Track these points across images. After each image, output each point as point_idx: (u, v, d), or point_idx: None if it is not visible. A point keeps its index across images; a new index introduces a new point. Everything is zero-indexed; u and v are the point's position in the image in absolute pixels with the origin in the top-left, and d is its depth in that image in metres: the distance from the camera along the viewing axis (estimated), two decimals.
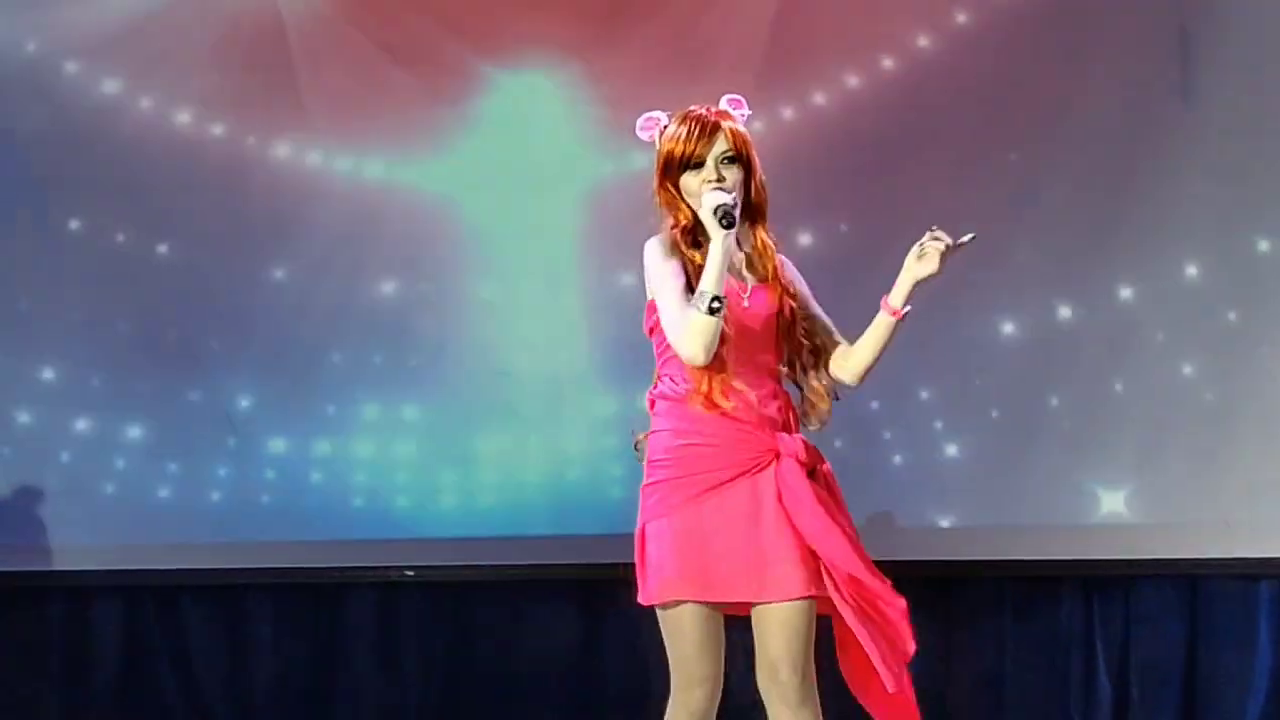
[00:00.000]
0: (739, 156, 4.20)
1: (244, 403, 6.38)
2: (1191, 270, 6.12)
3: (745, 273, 4.25)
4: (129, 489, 6.38)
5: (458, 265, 6.33)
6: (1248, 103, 6.09)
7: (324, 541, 6.30)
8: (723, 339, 4.09)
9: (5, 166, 6.39)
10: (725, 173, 4.17)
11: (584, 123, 6.23)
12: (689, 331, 4.08)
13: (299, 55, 6.33)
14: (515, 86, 6.29)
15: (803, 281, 4.33)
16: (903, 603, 4.14)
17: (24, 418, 6.40)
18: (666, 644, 4.16)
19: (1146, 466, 6.12)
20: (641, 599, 4.18)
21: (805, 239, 6.11)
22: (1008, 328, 6.19)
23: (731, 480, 4.15)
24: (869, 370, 4.27)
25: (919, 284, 4.19)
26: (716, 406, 4.13)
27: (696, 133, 4.19)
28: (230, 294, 6.38)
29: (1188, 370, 6.12)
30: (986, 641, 6.25)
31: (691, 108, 4.24)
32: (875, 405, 6.14)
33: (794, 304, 4.24)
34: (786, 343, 4.25)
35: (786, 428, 4.22)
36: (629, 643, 6.00)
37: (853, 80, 6.20)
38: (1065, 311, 6.17)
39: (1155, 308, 6.14)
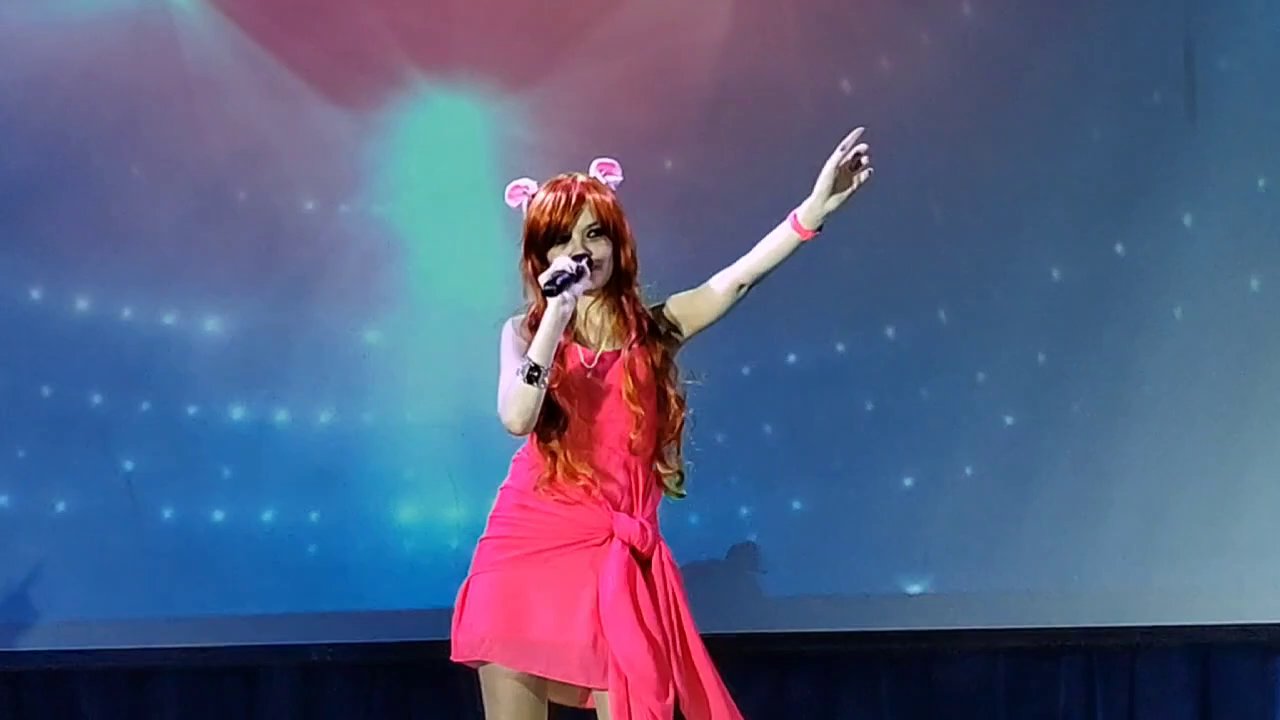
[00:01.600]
0: (605, 228, 4.19)
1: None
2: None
3: (603, 343, 4.22)
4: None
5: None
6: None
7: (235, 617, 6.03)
8: (565, 410, 4.13)
9: None
10: (591, 246, 4.17)
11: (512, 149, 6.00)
12: (507, 398, 4.08)
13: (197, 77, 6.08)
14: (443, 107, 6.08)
15: (687, 293, 4.27)
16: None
17: None
18: (485, 706, 4.18)
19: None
20: (453, 655, 4.19)
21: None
22: (982, 376, 5.99)
23: (563, 548, 4.16)
24: (762, 278, 4.20)
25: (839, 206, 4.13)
26: (559, 488, 4.14)
27: (562, 204, 4.18)
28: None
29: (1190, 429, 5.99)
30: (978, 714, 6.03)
31: (559, 176, 4.24)
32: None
33: (648, 369, 4.18)
34: (638, 411, 4.17)
35: (632, 507, 4.19)
36: None
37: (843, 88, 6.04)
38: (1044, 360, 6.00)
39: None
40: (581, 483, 4.11)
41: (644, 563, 4.15)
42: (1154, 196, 5.98)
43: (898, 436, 5.93)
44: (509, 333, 4.19)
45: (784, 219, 4.08)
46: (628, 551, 4.12)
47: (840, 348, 5.92)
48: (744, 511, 5.94)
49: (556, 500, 4.13)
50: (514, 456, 4.23)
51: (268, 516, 6.03)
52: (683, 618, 4.13)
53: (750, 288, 4.20)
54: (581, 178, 4.22)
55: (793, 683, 5.96)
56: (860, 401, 5.92)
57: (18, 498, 6.04)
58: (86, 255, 6.06)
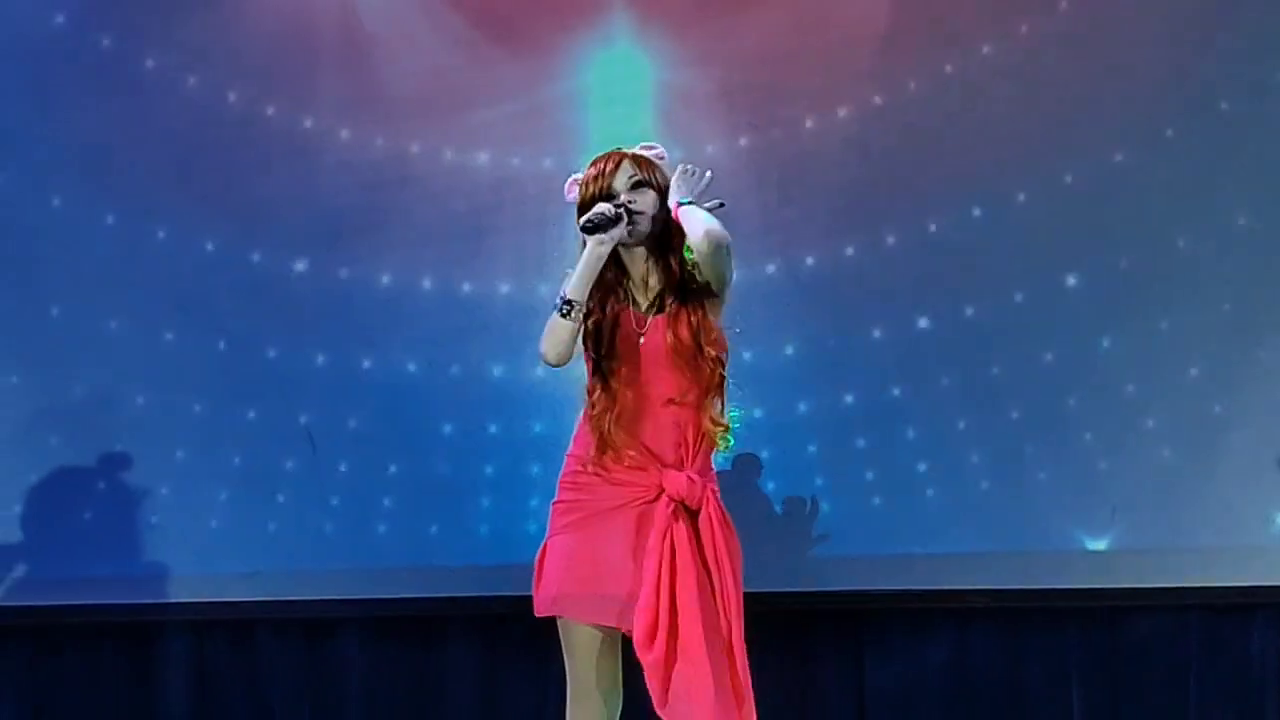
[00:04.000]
0: (647, 180, 4.42)
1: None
2: None
3: (652, 304, 4.45)
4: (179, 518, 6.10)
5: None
6: None
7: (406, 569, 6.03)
8: (616, 373, 4.37)
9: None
10: (634, 196, 4.39)
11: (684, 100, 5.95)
12: (546, 333, 4.32)
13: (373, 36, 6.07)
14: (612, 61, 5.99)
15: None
16: (708, 688, 4.26)
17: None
18: (565, 657, 4.44)
19: None
20: (535, 611, 4.45)
21: (932, 225, 5.86)
22: (1163, 324, 5.81)
23: (618, 508, 4.39)
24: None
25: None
26: (608, 444, 4.35)
27: (602, 169, 4.44)
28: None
29: None
30: (1168, 675, 5.86)
31: (596, 157, 4.48)
32: (962, 425, 5.88)
33: (691, 333, 4.37)
34: (684, 372, 4.39)
35: (682, 462, 4.40)
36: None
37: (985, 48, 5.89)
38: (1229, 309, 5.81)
39: None
40: (626, 463, 4.35)
41: (694, 515, 4.38)
42: None
43: (1077, 388, 5.78)
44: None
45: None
46: (675, 506, 4.35)
47: (1018, 298, 5.79)
48: (921, 467, 5.83)
49: (613, 463, 4.36)
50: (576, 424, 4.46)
51: (443, 470, 6.03)
52: (729, 575, 4.34)
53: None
54: (621, 148, 4.48)
55: (976, 640, 5.87)
56: (1039, 353, 5.80)
57: (195, 452, 6.09)
58: (258, 214, 6.10)
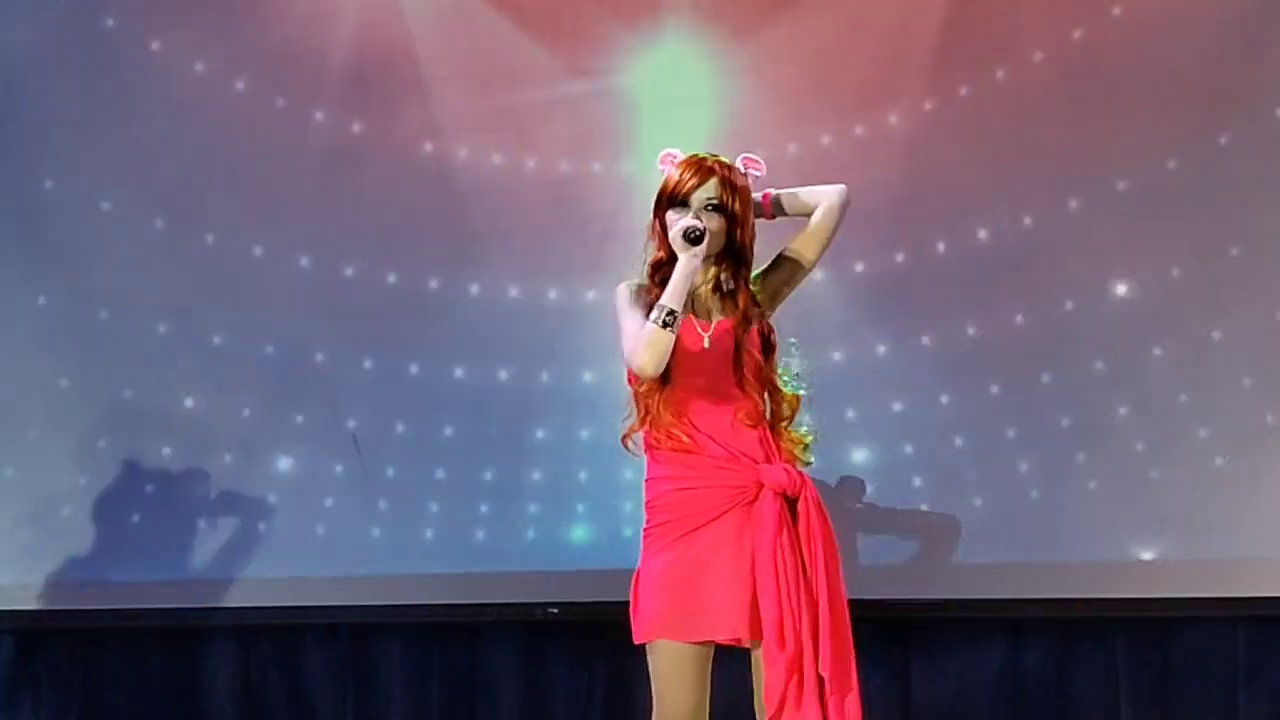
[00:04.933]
0: (723, 207, 4.39)
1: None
2: None
3: (714, 311, 4.46)
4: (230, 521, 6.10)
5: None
6: None
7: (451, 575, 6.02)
8: (676, 378, 4.34)
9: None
10: (705, 218, 4.37)
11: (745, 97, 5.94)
12: (641, 342, 4.30)
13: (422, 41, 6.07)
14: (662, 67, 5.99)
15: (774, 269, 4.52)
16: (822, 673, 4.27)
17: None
18: (651, 678, 4.37)
19: None
20: (634, 638, 4.40)
21: (982, 233, 5.83)
22: (1215, 333, 5.75)
23: (718, 517, 4.34)
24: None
25: None
26: (677, 441, 4.34)
27: (690, 174, 4.41)
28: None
29: None
30: (1217, 687, 5.81)
31: (699, 153, 4.46)
32: (1011, 433, 5.83)
33: (761, 345, 4.43)
34: (750, 383, 4.41)
35: (770, 457, 4.40)
36: None
37: (1038, 55, 5.85)
38: None
39: None
40: (693, 440, 4.32)
41: (793, 507, 4.34)
42: None
43: (1128, 397, 5.72)
44: (624, 293, 4.43)
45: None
46: (780, 500, 4.33)
47: (1069, 306, 5.74)
48: (970, 475, 5.79)
49: (700, 468, 4.34)
50: (646, 452, 4.44)
51: (488, 476, 6.02)
52: (824, 564, 4.31)
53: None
54: (721, 159, 4.44)
55: (1026, 649, 5.84)
56: (1090, 361, 5.75)
57: (242, 456, 6.10)
58: (306, 217, 6.11)
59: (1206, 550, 5.71)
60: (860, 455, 5.84)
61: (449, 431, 6.03)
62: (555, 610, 5.96)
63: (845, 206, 4.51)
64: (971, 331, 5.79)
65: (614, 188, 5.89)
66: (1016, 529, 5.75)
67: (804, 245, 4.51)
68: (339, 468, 6.08)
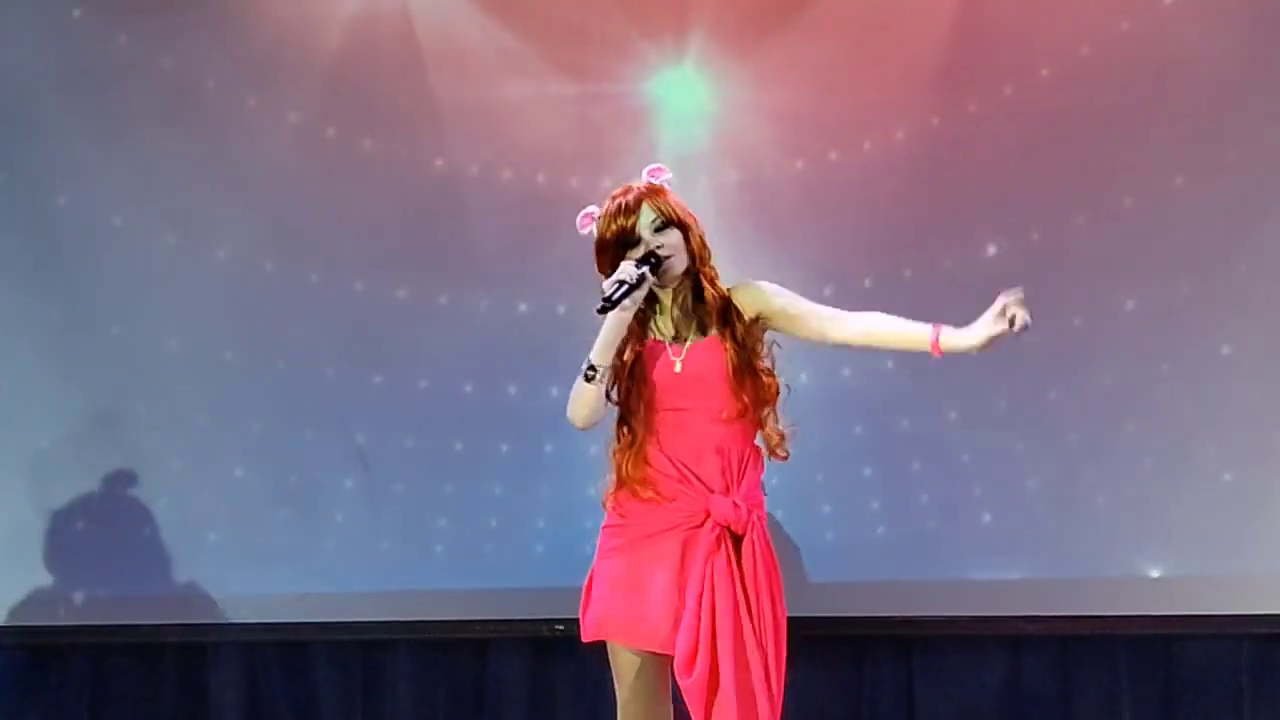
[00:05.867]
0: (669, 220, 4.39)
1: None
2: None
3: (687, 334, 4.44)
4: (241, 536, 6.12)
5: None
6: None
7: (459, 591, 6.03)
8: (651, 406, 4.37)
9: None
10: (661, 239, 4.37)
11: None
12: (572, 398, 4.38)
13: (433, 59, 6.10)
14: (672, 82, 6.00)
15: (782, 295, 4.44)
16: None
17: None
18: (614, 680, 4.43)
19: None
20: (582, 636, 4.47)
21: (990, 248, 5.82)
22: (1224, 349, 5.71)
23: (664, 532, 4.37)
24: (867, 349, 4.49)
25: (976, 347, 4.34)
26: (623, 481, 4.38)
27: (621, 210, 4.40)
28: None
29: None
30: (1221, 704, 5.76)
31: (615, 191, 4.45)
32: (1019, 449, 5.83)
33: (736, 351, 4.38)
34: (732, 390, 4.38)
35: (728, 487, 4.37)
36: None
37: (1045, 71, 5.84)
38: None
39: None
40: (646, 495, 4.34)
41: (737, 541, 4.35)
42: None
43: (1136, 413, 5.70)
44: None
45: (927, 325, 4.29)
46: (722, 532, 4.34)
47: (1077, 322, 5.72)
48: (977, 491, 5.78)
49: (655, 485, 4.37)
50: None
51: (498, 491, 6.03)
52: (759, 602, 4.31)
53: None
54: (636, 185, 4.44)
55: (1030, 666, 5.82)
56: (1098, 377, 5.72)
57: (250, 471, 6.12)
58: (317, 233, 6.14)
59: (1213, 567, 5.69)
60: (868, 470, 5.84)
61: (458, 447, 6.05)
62: (561, 627, 5.94)
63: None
64: None
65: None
66: (1023, 545, 5.74)
67: (830, 331, 4.42)
68: (349, 483, 6.10)
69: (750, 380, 4.38)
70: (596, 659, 5.94)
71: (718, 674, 4.27)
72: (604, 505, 4.45)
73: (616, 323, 4.31)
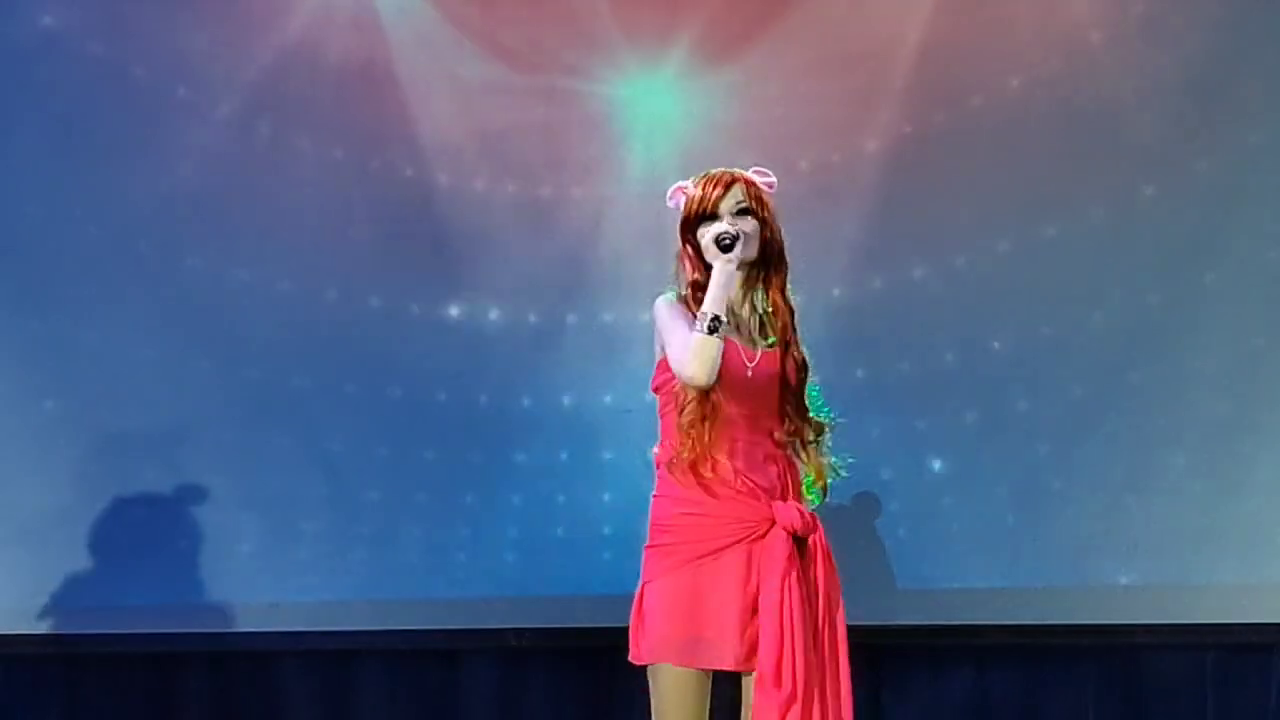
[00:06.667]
0: (752, 210, 4.42)
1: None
2: None
3: (756, 337, 4.46)
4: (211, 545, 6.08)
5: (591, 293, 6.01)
6: None
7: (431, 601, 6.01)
8: (718, 406, 4.31)
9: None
10: (739, 222, 4.40)
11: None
12: (690, 352, 4.27)
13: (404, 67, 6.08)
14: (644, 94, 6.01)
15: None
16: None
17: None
18: (652, 699, 4.36)
19: None
20: (632, 657, 4.39)
21: (960, 259, 5.86)
22: (1193, 360, 5.74)
23: (727, 548, 4.32)
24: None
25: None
26: (699, 475, 4.30)
27: (712, 187, 4.43)
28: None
29: None
30: (1185, 713, 5.84)
31: (711, 171, 4.48)
32: (988, 459, 5.88)
33: (798, 369, 4.42)
34: (789, 409, 4.41)
35: (785, 494, 4.38)
36: None
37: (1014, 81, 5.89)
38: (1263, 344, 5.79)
39: None
40: (732, 492, 4.29)
41: (802, 547, 4.33)
42: None
43: (1105, 423, 5.75)
44: (663, 307, 4.41)
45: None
46: (789, 539, 4.31)
47: (1046, 332, 5.77)
48: (947, 500, 5.81)
49: (713, 497, 4.31)
50: (655, 466, 4.43)
51: (469, 500, 6.01)
52: (830, 607, 4.33)
53: None
54: (737, 170, 4.46)
55: (995, 674, 5.85)
56: (1067, 387, 5.76)
57: (223, 480, 6.07)
58: (287, 242, 6.10)
59: (1180, 576, 5.73)
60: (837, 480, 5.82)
61: (429, 456, 6.04)
62: (525, 639, 5.96)
63: None
64: (949, 358, 5.81)
65: (594, 212, 5.92)
66: (992, 555, 5.77)
67: None
68: (321, 491, 6.07)
69: (801, 403, 4.41)
70: (569, 667, 6.02)
71: (797, 683, 4.23)
72: (668, 469, 4.34)
73: (727, 275, 4.30)
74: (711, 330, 4.24)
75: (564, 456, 5.94)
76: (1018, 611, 5.74)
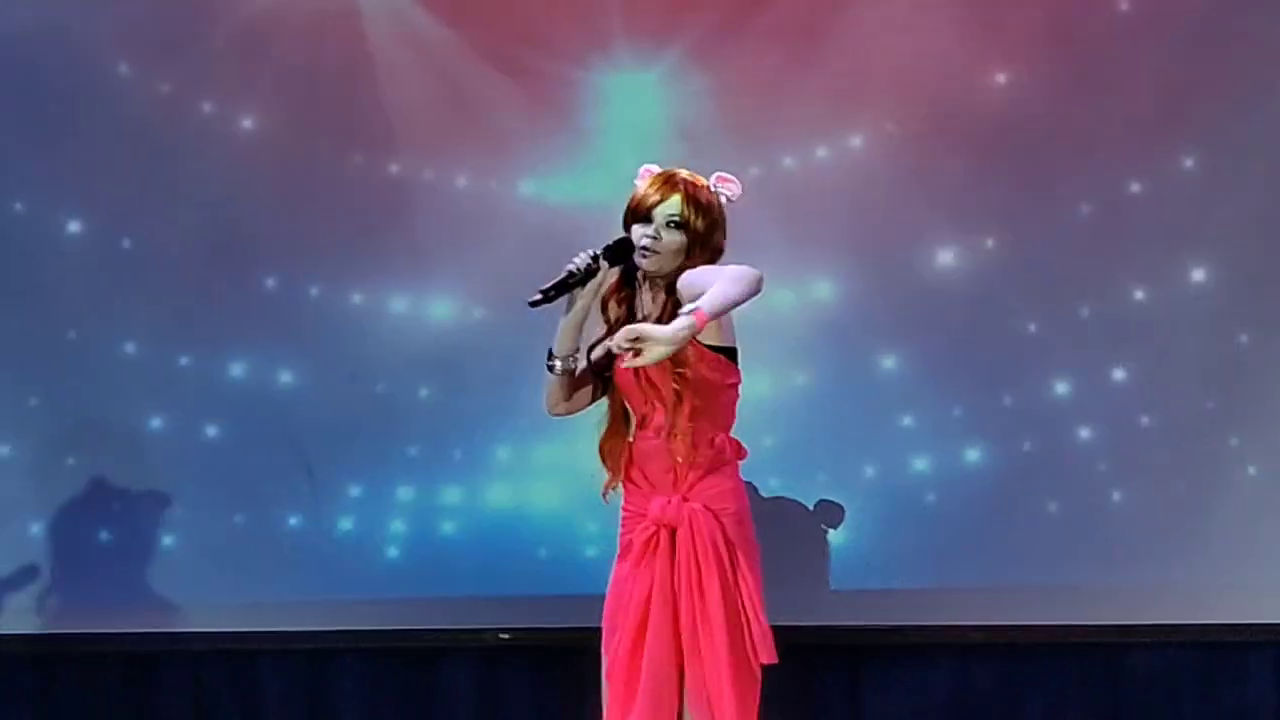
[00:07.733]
0: (685, 224, 4.29)
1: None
2: None
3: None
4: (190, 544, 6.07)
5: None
6: None
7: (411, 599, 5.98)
8: (620, 404, 4.41)
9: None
10: (664, 234, 4.30)
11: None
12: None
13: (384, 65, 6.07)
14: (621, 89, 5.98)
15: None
16: None
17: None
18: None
19: None
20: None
21: (946, 256, 5.84)
22: (1179, 356, 5.75)
23: (631, 541, 4.39)
24: None
25: None
26: (620, 472, 4.40)
27: (655, 189, 4.34)
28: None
29: None
30: (1166, 712, 5.84)
31: (669, 169, 4.41)
32: (973, 456, 5.84)
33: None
34: (663, 396, 4.29)
35: (675, 483, 4.33)
36: None
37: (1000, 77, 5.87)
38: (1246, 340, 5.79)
39: None
40: (630, 478, 4.36)
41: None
42: None
43: (1091, 420, 5.73)
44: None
45: None
46: (651, 531, 4.32)
47: (1032, 328, 5.76)
48: (931, 498, 5.79)
49: (629, 493, 4.39)
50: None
51: (451, 497, 5.98)
52: (699, 592, 4.28)
53: None
54: (692, 176, 4.37)
55: (977, 674, 5.84)
56: (1052, 384, 5.74)
57: (202, 477, 6.04)
58: (275, 237, 6.08)
59: (1162, 575, 5.72)
60: (820, 477, 5.83)
61: (411, 452, 6.01)
62: (507, 636, 5.95)
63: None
64: (932, 355, 5.79)
65: (573, 210, 5.87)
66: (974, 553, 5.75)
67: None
68: (299, 490, 6.05)
69: (664, 386, 4.28)
70: (549, 666, 5.99)
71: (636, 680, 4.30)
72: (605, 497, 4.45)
73: (581, 306, 4.33)
74: (549, 368, 4.41)
75: (545, 454, 5.92)
76: (999, 610, 5.74)
